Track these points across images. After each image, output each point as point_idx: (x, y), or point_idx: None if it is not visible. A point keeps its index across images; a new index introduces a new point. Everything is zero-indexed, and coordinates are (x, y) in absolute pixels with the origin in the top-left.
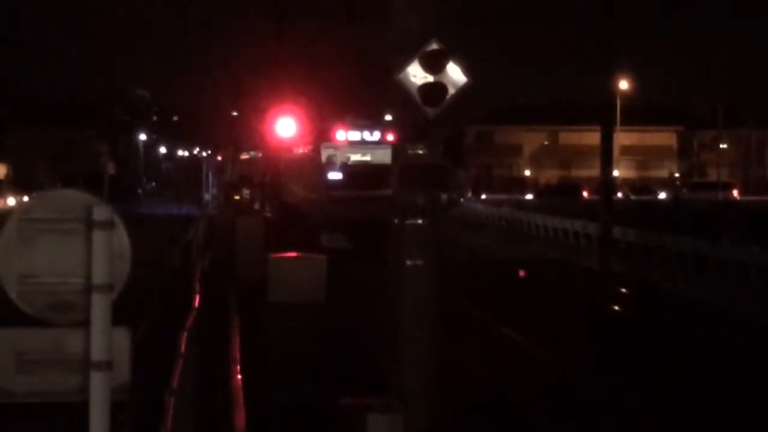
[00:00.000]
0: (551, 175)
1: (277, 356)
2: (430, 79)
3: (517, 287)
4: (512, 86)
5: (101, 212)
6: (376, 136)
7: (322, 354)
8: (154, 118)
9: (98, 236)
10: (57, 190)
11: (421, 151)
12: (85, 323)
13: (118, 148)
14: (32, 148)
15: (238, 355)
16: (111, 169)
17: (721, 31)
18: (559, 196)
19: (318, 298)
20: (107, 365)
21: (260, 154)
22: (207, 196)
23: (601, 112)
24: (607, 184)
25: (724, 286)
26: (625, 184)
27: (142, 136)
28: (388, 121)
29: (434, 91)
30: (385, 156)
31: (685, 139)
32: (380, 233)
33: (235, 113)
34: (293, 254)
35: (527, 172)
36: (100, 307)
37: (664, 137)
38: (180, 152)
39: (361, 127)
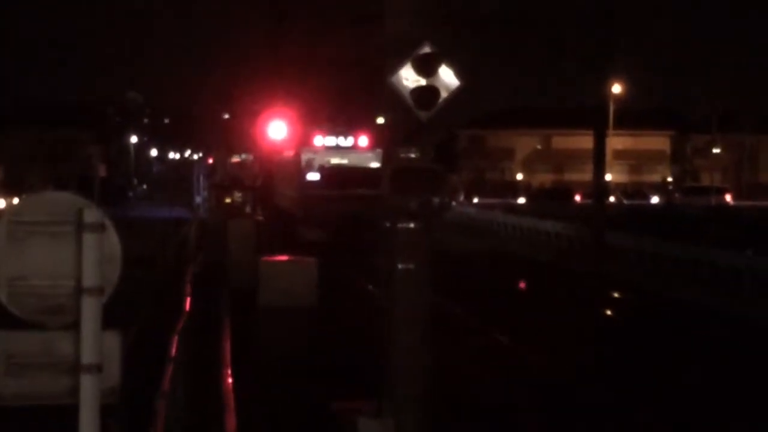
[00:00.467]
0: (544, 179)
1: (268, 359)
2: (423, 82)
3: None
4: (505, 90)
5: (92, 215)
6: (350, 141)
7: (313, 357)
8: (146, 120)
9: (89, 239)
10: (48, 193)
11: (413, 155)
12: (75, 326)
13: (109, 151)
14: (23, 149)
15: (228, 359)
16: (102, 171)
17: (721, 32)
18: (551, 200)
19: (309, 301)
20: (97, 368)
21: (251, 157)
22: (198, 199)
23: (594, 116)
24: (600, 188)
25: (717, 289)
26: (618, 188)
27: (134, 139)
28: (363, 128)
29: (427, 94)
30: (359, 159)
31: (678, 144)
32: (355, 227)
33: (226, 116)
34: (284, 258)
35: (520, 176)
36: (90, 310)
37: (658, 141)
38: (171, 155)
39: (336, 133)
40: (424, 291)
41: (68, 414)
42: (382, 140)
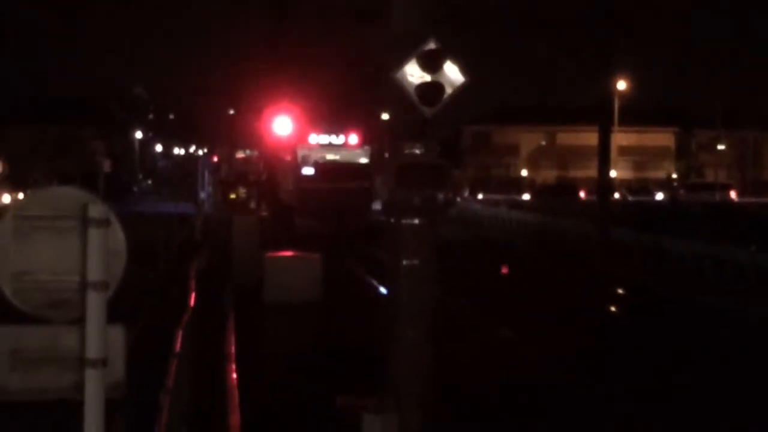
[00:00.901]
0: (548, 175)
1: (272, 355)
2: (428, 78)
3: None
4: (510, 86)
5: (97, 210)
6: (341, 139)
7: (317, 353)
8: (151, 116)
9: (94, 234)
10: (53, 188)
11: (418, 151)
12: (80, 321)
13: (114, 146)
14: (28, 145)
15: (233, 354)
16: (106, 166)
17: (722, 32)
18: (556, 197)
19: (314, 296)
20: (102, 363)
21: (256, 153)
22: (203, 195)
23: (599, 113)
24: (605, 184)
25: (721, 286)
26: (623, 184)
27: (139, 134)
28: (353, 126)
29: (431, 90)
30: (350, 156)
31: (683, 140)
32: (347, 218)
33: (231, 111)
34: (289, 253)
35: (524, 173)
36: (95, 305)
37: (662, 138)
38: (176, 150)
39: (329, 132)
40: (428, 287)
41: (73, 408)
42: (371, 138)
